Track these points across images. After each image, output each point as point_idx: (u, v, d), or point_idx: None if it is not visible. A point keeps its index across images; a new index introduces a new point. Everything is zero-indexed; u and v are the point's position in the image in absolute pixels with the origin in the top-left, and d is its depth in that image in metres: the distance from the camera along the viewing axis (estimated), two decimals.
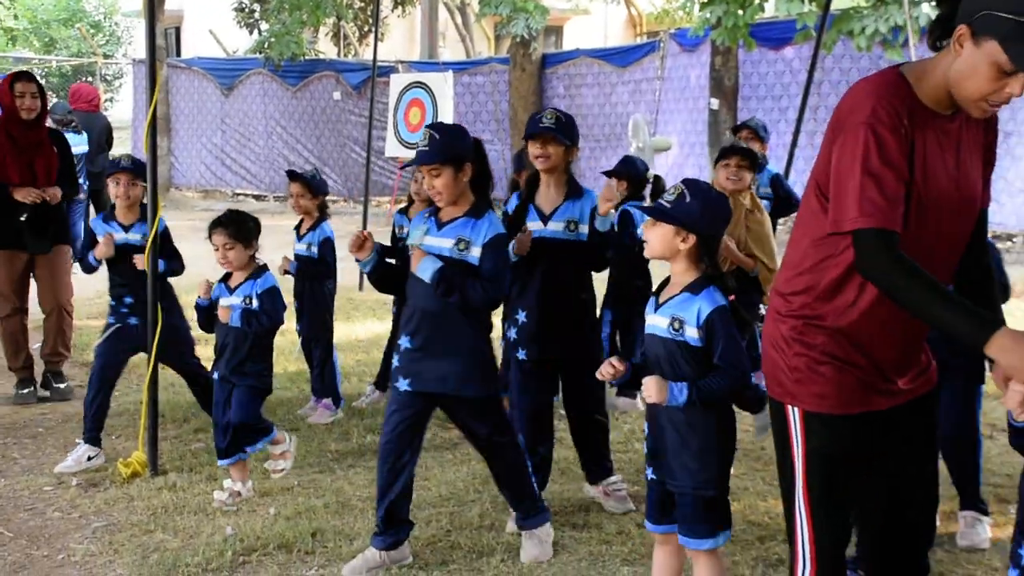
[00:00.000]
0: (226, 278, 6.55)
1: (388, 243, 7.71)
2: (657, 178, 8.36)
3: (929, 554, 3.99)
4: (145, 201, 7.12)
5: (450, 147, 5.23)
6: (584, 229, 5.88)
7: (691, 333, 4.22)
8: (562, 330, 5.93)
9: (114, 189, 7.20)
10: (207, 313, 6.55)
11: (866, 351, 3.56)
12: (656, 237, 4.27)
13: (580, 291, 6.06)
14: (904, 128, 3.37)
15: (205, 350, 7.41)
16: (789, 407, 3.67)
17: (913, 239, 3.40)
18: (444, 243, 5.27)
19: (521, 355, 5.97)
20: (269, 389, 6.71)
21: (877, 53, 16.44)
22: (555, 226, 5.90)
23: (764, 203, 7.71)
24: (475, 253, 5.24)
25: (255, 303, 6.35)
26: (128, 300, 7.23)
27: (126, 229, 7.24)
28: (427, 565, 5.47)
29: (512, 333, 6.04)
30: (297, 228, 8.24)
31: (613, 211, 6.03)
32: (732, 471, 6.69)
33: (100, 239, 7.18)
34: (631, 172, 8.08)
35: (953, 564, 5.42)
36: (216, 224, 6.44)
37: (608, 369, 4.33)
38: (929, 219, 3.46)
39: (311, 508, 6.22)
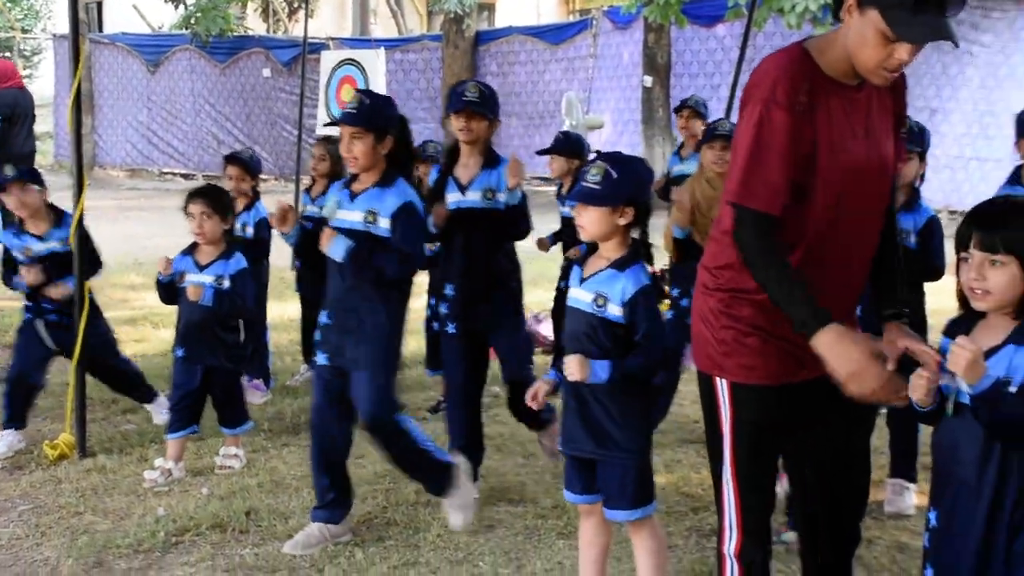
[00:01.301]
0: (192, 250, 6.48)
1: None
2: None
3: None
4: (51, 202, 7.06)
5: (376, 114, 5.24)
6: (502, 197, 5.88)
7: (614, 310, 4.19)
8: (486, 300, 5.94)
9: (9, 203, 7.03)
10: (167, 289, 6.48)
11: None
12: (591, 221, 4.20)
13: (502, 259, 6.06)
14: (801, 104, 3.42)
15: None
16: (717, 379, 3.71)
17: (831, 205, 3.50)
18: (354, 216, 5.27)
19: (451, 329, 5.97)
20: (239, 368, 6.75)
21: (808, 30, 16.53)
22: (473, 195, 5.89)
23: None
24: (383, 224, 5.24)
25: (227, 283, 6.33)
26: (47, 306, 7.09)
27: (41, 239, 7.03)
28: (364, 542, 5.48)
29: (443, 308, 6.05)
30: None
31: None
32: (667, 444, 6.87)
33: (23, 268, 6.95)
34: (569, 148, 8.12)
35: (879, 530, 5.50)
36: (196, 193, 6.43)
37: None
38: (844, 183, 3.51)
39: (245, 487, 6.19)
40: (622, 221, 4.19)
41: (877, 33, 3.32)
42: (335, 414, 5.45)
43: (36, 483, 6.40)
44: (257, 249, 7.88)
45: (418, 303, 6.51)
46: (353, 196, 5.33)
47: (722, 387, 3.71)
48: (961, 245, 3.31)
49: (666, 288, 6.79)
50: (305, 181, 9.66)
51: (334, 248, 5.18)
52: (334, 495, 5.45)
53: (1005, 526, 3.28)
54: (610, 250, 4.26)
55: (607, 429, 4.24)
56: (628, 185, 4.17)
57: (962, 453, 3.35)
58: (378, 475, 6.31)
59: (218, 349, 6.45)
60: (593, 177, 4.16)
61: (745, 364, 3.64)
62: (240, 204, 7.95)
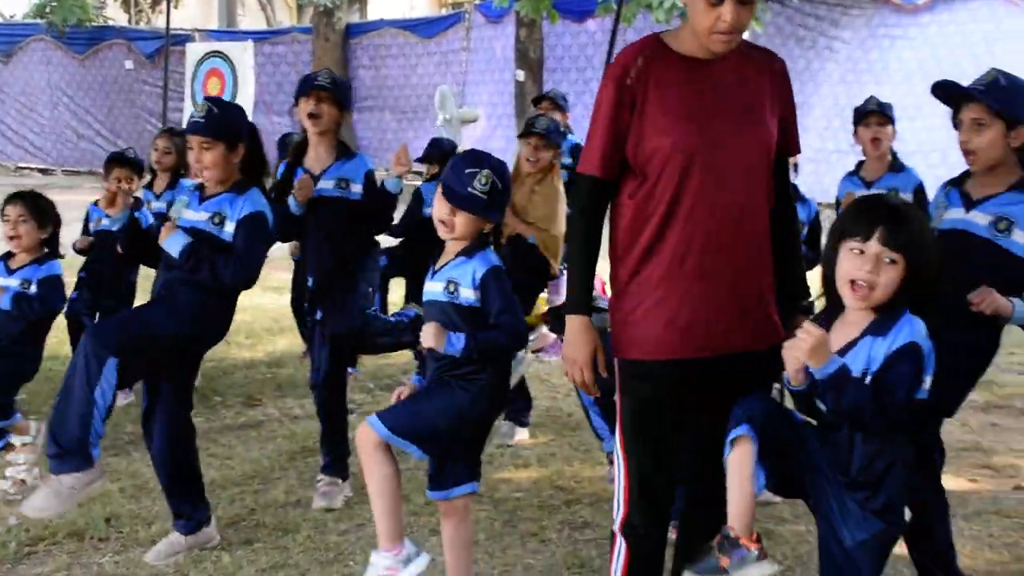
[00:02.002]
0: (7, 257, 6.20)
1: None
2: None
3: None
4: None
5: (225, 124, 5.08)
6: (356, 188, 5.77)
7: (466, 294, 4.18)
8: (342, 289, 5.82)
9: None
10: None
11: (671, 296, 3.60)
12: (466, 224, 4.18)
13: (358, 249, 5.93)
14: (634, 75, 3.57)
15: None
16: (615, 359, 3.75)
17: (696, 173, 3.54)
18: (200, 216, 5.08)
19: (319, 315, 5.85)
20: (27, 376, 6.28)
21: (676, 25, 16.63)
22: (326, 184, 5.76)
23: (563, 173, 7.72)
24: (229, 229, 5.06)
25: (33, 288, 6.03)
26: None
27: None
28: (231, 545, 5.30)
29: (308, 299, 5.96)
30: (96, 203, 7.76)
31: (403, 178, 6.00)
32: (540, 438, 6.81)
33: None
34: (444, 157, 8.08)
35: None
36: (14, 196, 6.16)
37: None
38: (702, 154, 3.54)
39: (105, 493, 5.91)
40: (487, 228, 4.26)
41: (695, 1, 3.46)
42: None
43: None
44: None
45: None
46: (202, 200, 5.14)
47: (620, 365, 3.75)
48: (848, 237, 3.36)
49: None
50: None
51: (171, 242, 4.97)
52: (194, 501, 5.26)
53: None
54: (459, 244, 4.26)
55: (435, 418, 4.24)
56: (506, 195, 4.26)
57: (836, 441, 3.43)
58: (246, 476, 6.17)
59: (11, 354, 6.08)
60: (482, 186, 4.15)
61: (636, 340, 3.67)
62: (121, 208, 7.67)
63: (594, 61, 19.25)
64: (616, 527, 3.87)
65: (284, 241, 6.24)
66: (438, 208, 4.25)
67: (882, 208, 3.39)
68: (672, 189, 3.55)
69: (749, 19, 3.55)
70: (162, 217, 5.59)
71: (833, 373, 3.26)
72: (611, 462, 5.10)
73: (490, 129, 20.43)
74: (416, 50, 22.26)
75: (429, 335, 4.12)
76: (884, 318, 3.36)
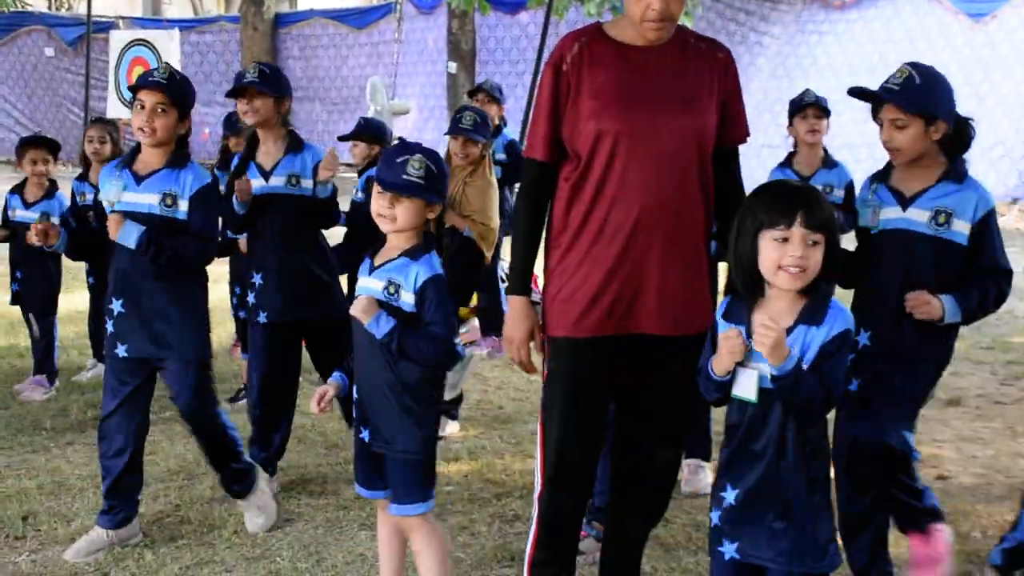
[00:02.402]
0: None
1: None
2: None
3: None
4: None
5: (185, 89, 5.05)
6: (308, 184, 5.63)
7: (406, 298, 4.05)
8: (299, 289, 5.66)
9: None
10: None
11: (593, 275, 3.66)
12: (408, 213, 4.04)
13: (312, 248, 5.78)
14: (570, 61, 3.68)
15: None
16: (544, 339, 3.83)
17: (621, 156, 3.62)
18: (148, 199, 4.97)
19: (262, 318, 5.65)
20: None
21: (608, 18, 16.70)
22: (277, 181, 5.60)
23: (497, 169, 7.84)
24: (183, 207, 4.98)
25: None
26: None
27: None
28: (154, 542, 5.19)
29: (251, 297, 5.75)
30: (18, 192, 7.61)
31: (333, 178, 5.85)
32: (471, 431, 6.79)
33: None
34: (371, 134, 7.90)
35: (677, 509, 5.45)
36: None
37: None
38: (626, 137, 3.61)
39: (22, 490, 5.81)
40: (431, 215, 4.11)
41: None
42: (133, 408, 5.10)
43: None
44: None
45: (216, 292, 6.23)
46: (139, 179, 5.01)
47: (546, 341, 3.84)
48: (769, 227, 3.33)
49: None
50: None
51: (125, 235, 4.87)
52: (123, 496, 5.13)
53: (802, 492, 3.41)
54: (404, 240, 4.12)
55: (392, 419, 4.08)
56: (444, 179, 4.13)
57: (759, 431, 3.41)
58: (172, 472, 6.05)
59: None
60: (416, 171, 4.01)
61: (559, 318, 3.74)
62: (38, 190, 7.52)
63: (527, 54, 19.30)
64: (535, 496, 3.92)
65: (236, 234, 6.08)
66: (376, 203, 4.10)
67: (796, 194, 3.40)
68: (600, 171, 3.62)
69: (680, 8, 3.59)
70: (95, 206, 5.42)
71: (791, 369, 3.25)
72: None
73: (422, 121, 20.43)
74: (347, 40, 22.23)
75: (359, 307, 4.01)
76: (814, 305, 3.37)
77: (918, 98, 4.13)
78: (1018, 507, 5.61)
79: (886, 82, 4.21)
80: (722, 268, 3.91)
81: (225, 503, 5.57)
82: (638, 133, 3.59)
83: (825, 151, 6.80)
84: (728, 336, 3.36)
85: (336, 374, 4.33)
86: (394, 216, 4.04)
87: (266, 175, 5.65)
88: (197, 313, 5.18)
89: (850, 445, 4.40)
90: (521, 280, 3.85)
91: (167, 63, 5.12)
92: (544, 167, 3.77)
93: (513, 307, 3.85)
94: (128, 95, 16.99)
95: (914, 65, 4.25)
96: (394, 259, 4.10)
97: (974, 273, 4.15)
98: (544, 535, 3.88)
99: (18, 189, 7.55)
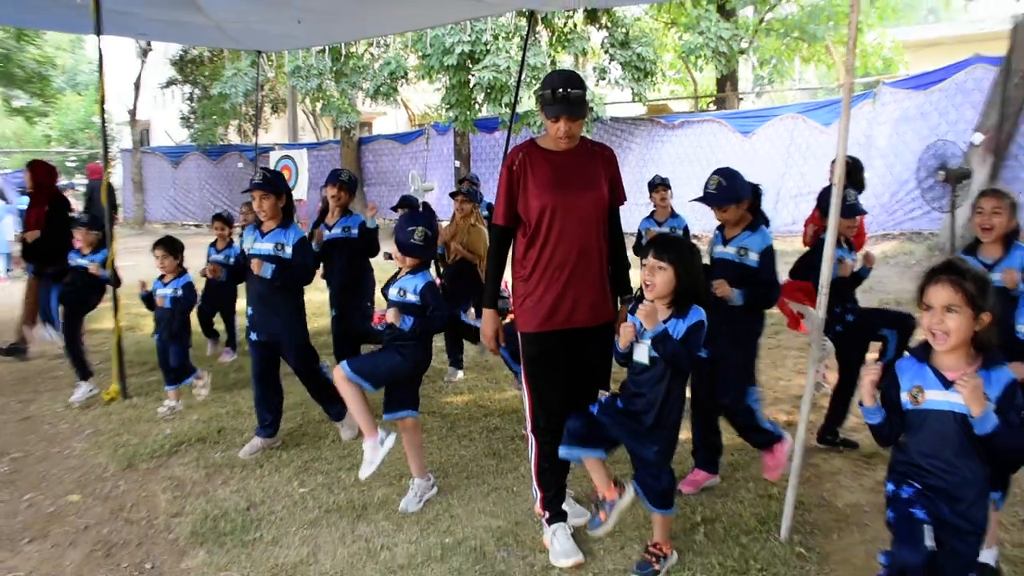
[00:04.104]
0: (161, 278, 6.00)
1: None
2: None
3: None
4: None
5: (276, 182, 4.91)
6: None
7: (412, 297, 4.13)
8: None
9: None
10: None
11: (547, 295, 3.55)
12: (411, 262, 4.19)
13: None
14: (517, 164, 3.54)
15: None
16: (518, 332, 3.69)
17: (548, 221, 3.51)
18: (268, 246, 4.89)
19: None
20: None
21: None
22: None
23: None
24: (289, 251, 4.87)
25: (179, 292, 5.90)
26: None
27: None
28: (287, 446, 5.19)
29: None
30: (213, 245, 7.50)
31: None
32: (469, 375, 6.68)
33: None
34: (407, 203, 7.81)
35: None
36: (161, 240, 6.02)
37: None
38: (555, 208, 3.49)
39: (217, 415, 5.85)
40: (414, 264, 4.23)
41: (545, 118, 3.48)
42: (267, 368, 5.10)
43: (96, 416, 5.97)
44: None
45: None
46: (263, 234, 4.95)
47: (519, 335, 3.68)
48: (642, 256, 3.38)
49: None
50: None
51: (264, 270, 4.82)
52: (270, 419, 5.15)
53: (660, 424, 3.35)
54: (408, 265, 4.20)
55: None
56: (435, 238, 4.26)
57: (648, 382, 3.33)
58: (296, 404, 5.98)
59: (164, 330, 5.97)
60: (418, 238, 4.16)
61: (524, 320, 3.62)
62: (222, 244, 7.45)
63: (499, 155, 19.22)
64: (528, 430, 3.75)
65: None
66: (394, 251, 4.24)
67: (656, 238, 3.42)
68: (545, 229, 3.52)
69: (580, 128, 3.54)
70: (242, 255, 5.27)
71: (661, 332, 3.23)
72: (517, 382, 5.04)
73: (440, 195, 20.31)
74: (398, 151, 22.01)
75: (392, 315, 4.07)
76: (681, 308, 3.28)
77: (727, 195, 4.09)
78: (787, 408, 5.63)
79: (706, 188, 4.13)
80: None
81: (326, 423, 5.58)
82: (567, 205, 3.49)
83: (671, 208, 6.77)
84: (626, 326, 3.33)
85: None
86: (404, 261, 4.19)
87: (329, 227, 5.86)
88: (299, 313, 5.10)
89: (703, 401, 4.31)
90: (491, 299, 3.70)
91: (262, 170, 4.96)
92: (505, 229, 3.61)
93: (486, 316, 3.68)
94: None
95: (719, 171, 4.17)
96: (405, 275, 4.19)
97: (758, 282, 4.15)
98: (545, 451, 3.67)
99: (213, 243, 7.55)
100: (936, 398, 2.52)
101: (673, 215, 6.77)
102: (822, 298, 3.64)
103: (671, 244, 3.36)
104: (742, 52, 19.15)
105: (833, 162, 5.59)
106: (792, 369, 6.72)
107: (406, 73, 18.38)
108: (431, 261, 4.30)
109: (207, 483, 4.65)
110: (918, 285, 2.58)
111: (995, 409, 2.42)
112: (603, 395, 3.59)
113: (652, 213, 6.83)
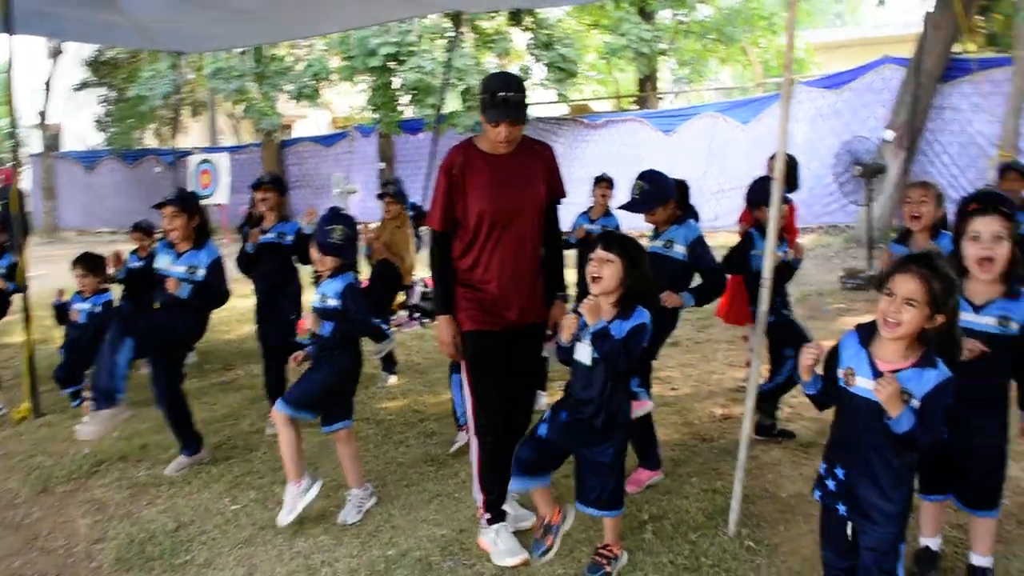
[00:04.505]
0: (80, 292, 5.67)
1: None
2: None
3: None
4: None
5: (188, 200, 4.65)
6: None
7: (332, 302, 3.93)
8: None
9: None
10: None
11: (484, 295, 3.49)
12: (331, 263, 3.99)
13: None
14: (456, 168, 3.44)
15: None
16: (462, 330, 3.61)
17: (487, 223, 3.43)
18: (180, 268, 4.63)
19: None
20: None
21: (469, 135, 16.59)
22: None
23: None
24: (202, 272, 4.61)
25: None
26: None
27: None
28: (216, 461, 4.90)
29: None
30: (133, 252, 7.10)
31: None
32: (403, 380, 6.53)
33: None
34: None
35: None
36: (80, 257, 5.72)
37: None
38: (495, 211, 3.42)
39: (139, 431, 5.49)
40: (332, 265, 4.03)
41: (484, 122, 3.37)
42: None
43: (7, 437, 5.56)
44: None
45: None
46: (178, 255, 4.66)
47: (461, 333, 3.57)
48: (590, 251, 3.27)
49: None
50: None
51: (181, 290, 4.56)
52: (194, 438, 4.87)
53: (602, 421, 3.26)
54: (327, 266, 4.01)
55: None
56: (355, 239, 4.05)
57: (590, 381, 3.25)
58: (224, 416, 5.72)
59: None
60: (337, 237, 3.97)
61: (464, 318, 3.52)
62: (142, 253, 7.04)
63: (424, 157, 19.09)
64: (472, 433, 3.64)
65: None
66: (313, 253, 4.04)
67: (601, 233, 3.35)
68: (484, 233, 3.45)
69: (518, 134, 3.44)
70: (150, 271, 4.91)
71: (601, 328, 3.15)
72: (463, 429, 4.74)
73: (363, 197, 20.03)
74: (322, 153, 21.61)
75: (311, 321, 3.90)
76: (625, 309, 3.20)
77: (652, 198, 4.09)
78: (722, 401, 5.62)
79: (632, 194, 4.12)
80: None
81: (256, 434, 5.31)
82: (505, 208, 3.42)
83: (608, 206, 6.70)
84: (568, 318, 3.24)
85: (309, 347, 4.11)
86: (324, 262, 3.99)
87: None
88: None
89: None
90: (443, 304, 3.55)
91: (179, 189, 4.73)
92: (443, 235, 3.51)
93: (441, 321, 3.53)
94: (199, 192, 16.41)
95: (642, 176, 4.14)
96: (327, 279, 4.00)
97: (700, 274, 4.19)
98: (488, 453, 3.58)
99: (135, 251, 7.08)
100: (864, 385, 2.51)
101: (607, 214, 6.71)
102: (764, 291, 3.60)
103: (620, 238, 3.28)
104: (662, 53, 19.37)
105: (771, 158, 5.64)
106: (723, 362, 6.73)
107: (329, 75, 18.04)
108: (354, 263, 4.09)
109: (131, 504, 4.36)
110: (888, 269, 2.54)
111: (919, 407, 2.42)
112: (545, 406, 3.48)
113: (588, 210, 6.77)
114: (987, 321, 2.90)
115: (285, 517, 3.94)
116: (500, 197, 3.43)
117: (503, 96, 3.30)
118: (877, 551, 2.53)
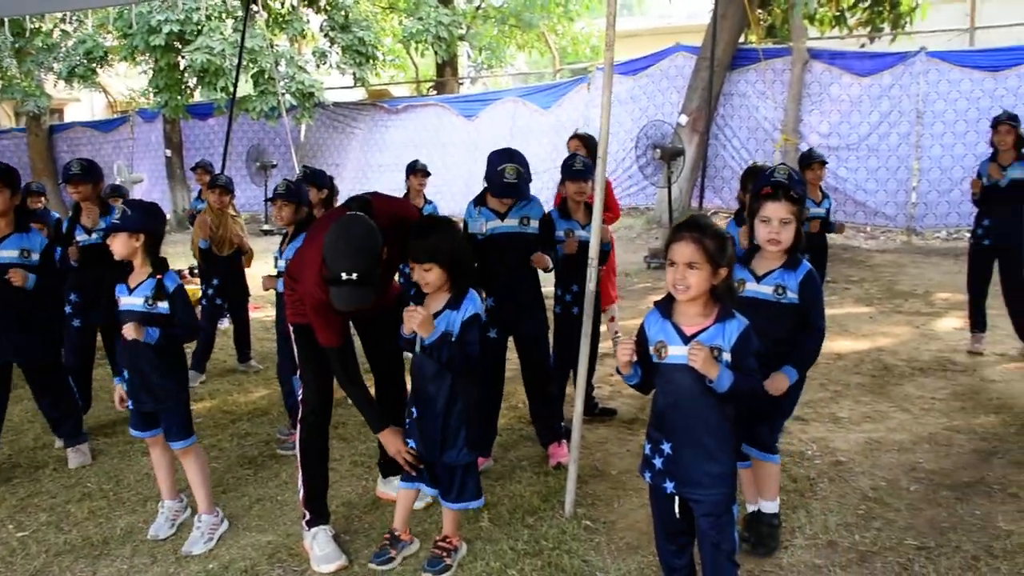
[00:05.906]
0: None
1: None
2: None
3: None
4: None
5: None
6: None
7: (162, 304, 3.51)
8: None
9: None
10: None
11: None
12: (118, 244, 3.48)
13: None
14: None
15: None
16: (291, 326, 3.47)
17: None
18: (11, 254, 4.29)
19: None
20: None
21: (263, 121, 15.97)
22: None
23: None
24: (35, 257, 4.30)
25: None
26: None
27: None
28: None
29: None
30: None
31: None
32: (210, 381, 6.10)
33: None
34: (119, 193, 7.37)
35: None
36: None
37: None
38: None
39: None
40: (137, 244, 3.51)
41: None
42: None
43: None
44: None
45: None
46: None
47: (297, 330, 3.42)
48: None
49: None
50: None
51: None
52: None
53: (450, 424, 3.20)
54: (139, 267, 3.56)
55: (155, 384, 3.56)
56: (141, 219, 3.50)
57: (427, 375, 3.16)
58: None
59: None
60: (116, 216, 3.51)
61: (292, 312, 3.43)
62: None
63: (215, 143, 18.09)
64: (300, 417, 3.46)
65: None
66: (110, 240, 3.54)
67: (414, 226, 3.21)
68: None
69: None
70: None
71: (436, 339, 3.07)
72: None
73: (151, 186, 18.71)
74: (100, 139, 19.95)
75: (131, 330, 3.42)
76: (455, 300, 3.11)
77: (528, 181, 4.06)
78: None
79: (510, 178, 3.97)
80: None
81: (44, 448, 4.80)
82: None
83: (424, 195, 6.67)
84: (409, 311, 3.06)
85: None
86: (113, 247, 3.53)
87: (88, 231, 5.09)
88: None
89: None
90: (378, 420, 3.32)
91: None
92: (342, 348, 3.29)
93: (385, 435, 3.30)
94: None
95: (512, 159, 4.02)
96: (142, 281, 3.53)
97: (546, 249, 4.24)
98: (307, 446, 3.42)
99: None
100: (676, 353, 2.58)
101: (427, 201, 6.67)
102: (591, 270, 3.65)
103: (431, 230, 3.16)
104: (461, 38, 19.45)
105: (572, 136, 5.73)
106: None
107: (105, 54, 16.65)
108: (164, 260, 3.69)
109: None
110: (666, 241, 2.66)
111: (730, 358, 2.52)
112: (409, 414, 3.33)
113: (405, 196, 6.64)
114: (765, 290, 3.14)
115: (201, 549, 3.57)
116: None
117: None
118: (712, 515, 2.61)
